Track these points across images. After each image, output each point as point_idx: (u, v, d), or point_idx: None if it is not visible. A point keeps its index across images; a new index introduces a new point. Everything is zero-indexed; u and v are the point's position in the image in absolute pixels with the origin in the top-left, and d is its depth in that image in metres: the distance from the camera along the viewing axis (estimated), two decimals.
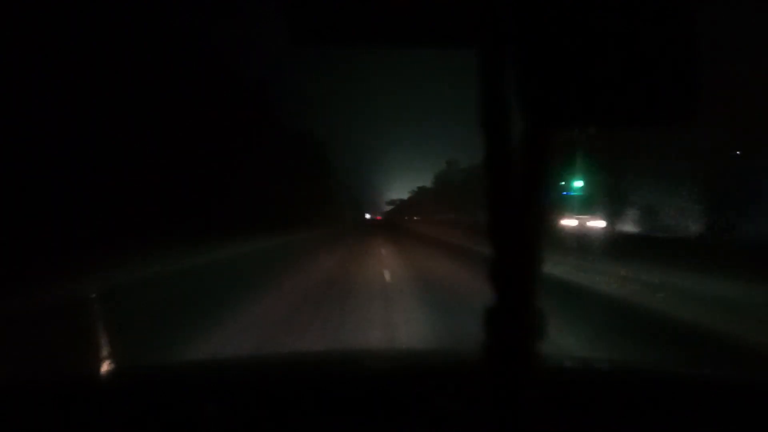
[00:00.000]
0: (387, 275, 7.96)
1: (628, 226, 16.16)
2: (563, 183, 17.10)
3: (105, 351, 1.19)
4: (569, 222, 17.53)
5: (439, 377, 1.01)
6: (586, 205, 17.07)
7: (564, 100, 0.33)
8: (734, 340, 3.77)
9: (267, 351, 3.49)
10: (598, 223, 16.44)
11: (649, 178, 14.58)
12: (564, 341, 3.48)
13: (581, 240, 12.28)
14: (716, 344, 3.77)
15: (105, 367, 1.13)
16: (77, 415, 0.81)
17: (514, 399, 0.36)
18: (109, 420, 0.79)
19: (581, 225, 16.81)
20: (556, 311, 4.04)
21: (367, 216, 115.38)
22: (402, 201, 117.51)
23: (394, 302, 5.52)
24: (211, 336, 3.77)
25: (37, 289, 5.59)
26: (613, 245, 11.18)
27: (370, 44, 0.35)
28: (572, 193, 17.31)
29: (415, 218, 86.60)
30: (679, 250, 9.21)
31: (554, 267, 7.77)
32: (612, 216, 15.99)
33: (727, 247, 10.07)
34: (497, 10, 0.33)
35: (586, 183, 17.31)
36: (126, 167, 13.80)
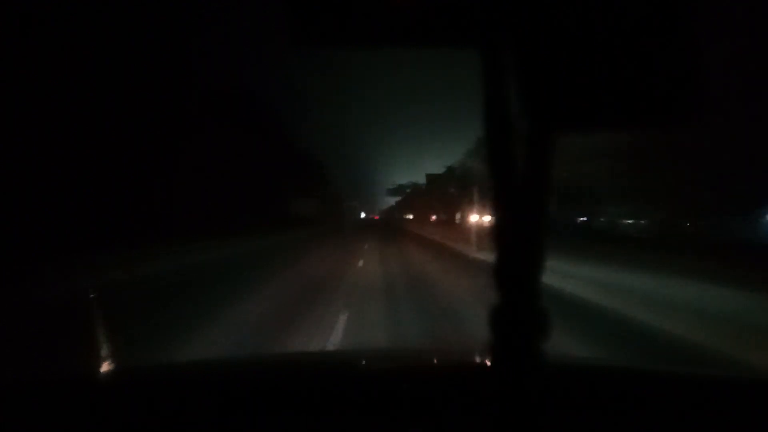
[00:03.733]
0: None
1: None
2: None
3: (105, 350, 1.19)
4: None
5: (441, 377, 1.01)
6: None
7: (568, 103, 0.32)
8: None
9: (267, 351, 3.46)
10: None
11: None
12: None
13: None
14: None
15: (105, 367, 1.13)
16: (77, 415, 0.81)
17: (517, 398, 0.36)
18: (109, 420, 0.79)
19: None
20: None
21: (363, 215, 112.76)
22: (415, 186, 69.80)
23: None
24: None
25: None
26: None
27: (372, 45, 0.35)
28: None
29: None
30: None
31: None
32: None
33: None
34: (501, 11, 0.33)
35: None
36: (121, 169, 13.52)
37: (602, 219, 23.95)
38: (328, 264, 10.01)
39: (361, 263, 10.13)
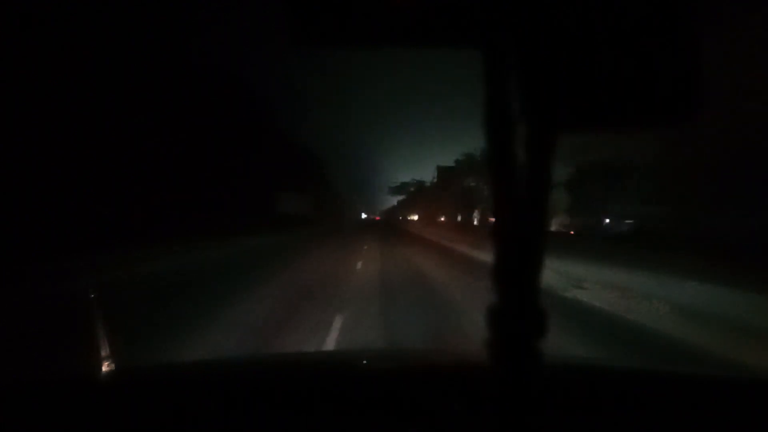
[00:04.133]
0: None
1: None
2: None
3: (105, 351, 1.19)
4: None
5: (441, 377, 1.01)
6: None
7: (568, 103, 0.32)
8: None
9: (267, 351, 3.48)
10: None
11: None
12: None
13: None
14: None
15: (105, 367, 1.13)
16: (77, 415, 0.81)
17: (516, 399, 0.36)
18: (109, 420, 0.79)
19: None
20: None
21: (364, 216, 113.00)
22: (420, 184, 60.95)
23: None
24: None
25: None
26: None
27: (372, 45, 0.35)
28: None
29: None
30: None
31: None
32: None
33: None
34: (502, 11, 0.33)
35: None
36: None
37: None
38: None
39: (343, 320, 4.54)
